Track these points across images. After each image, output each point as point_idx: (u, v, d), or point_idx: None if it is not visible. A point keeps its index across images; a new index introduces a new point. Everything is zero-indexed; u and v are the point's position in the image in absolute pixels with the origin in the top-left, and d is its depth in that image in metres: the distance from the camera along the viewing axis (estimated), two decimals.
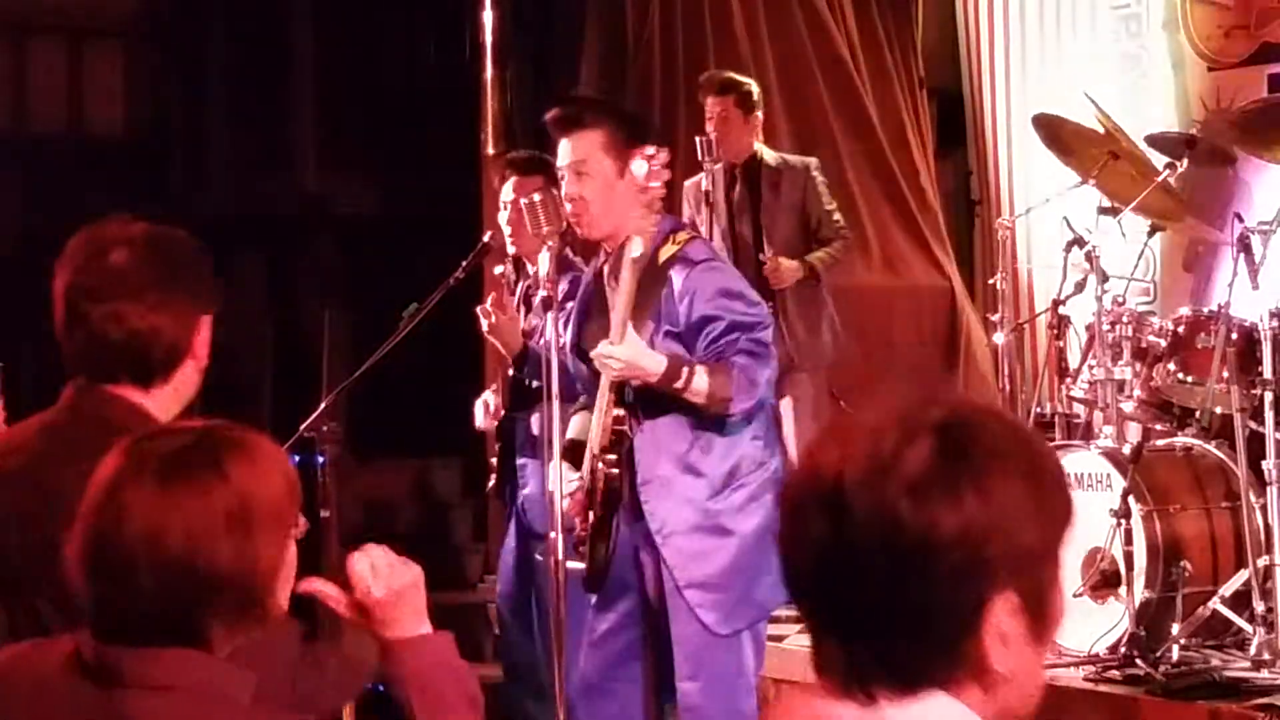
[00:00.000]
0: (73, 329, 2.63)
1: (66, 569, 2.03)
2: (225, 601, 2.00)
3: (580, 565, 4.13)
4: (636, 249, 4.02)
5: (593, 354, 4.05)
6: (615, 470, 4.08)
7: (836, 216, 6.62)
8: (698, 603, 4.11)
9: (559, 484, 4.08)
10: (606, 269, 4.28)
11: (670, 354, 4.02)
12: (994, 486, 1.50)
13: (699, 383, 3.99)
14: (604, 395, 4.09)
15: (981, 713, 1.54)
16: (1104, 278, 5.47)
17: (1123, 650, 4.96)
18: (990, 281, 7.10)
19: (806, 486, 1.54)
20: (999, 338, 6.63)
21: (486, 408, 5.66)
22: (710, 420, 4.07)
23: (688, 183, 6.47)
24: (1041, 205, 6.73)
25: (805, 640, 5.45)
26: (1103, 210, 5.79)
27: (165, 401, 2.67)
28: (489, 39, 7.99)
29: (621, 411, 4.09)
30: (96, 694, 2.00)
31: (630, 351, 3.98)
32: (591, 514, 4.13)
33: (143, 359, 2.63)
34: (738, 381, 4.00)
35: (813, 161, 6.72)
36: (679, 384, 3.99)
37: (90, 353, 2.62)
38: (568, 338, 4.31)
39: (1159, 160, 5.84)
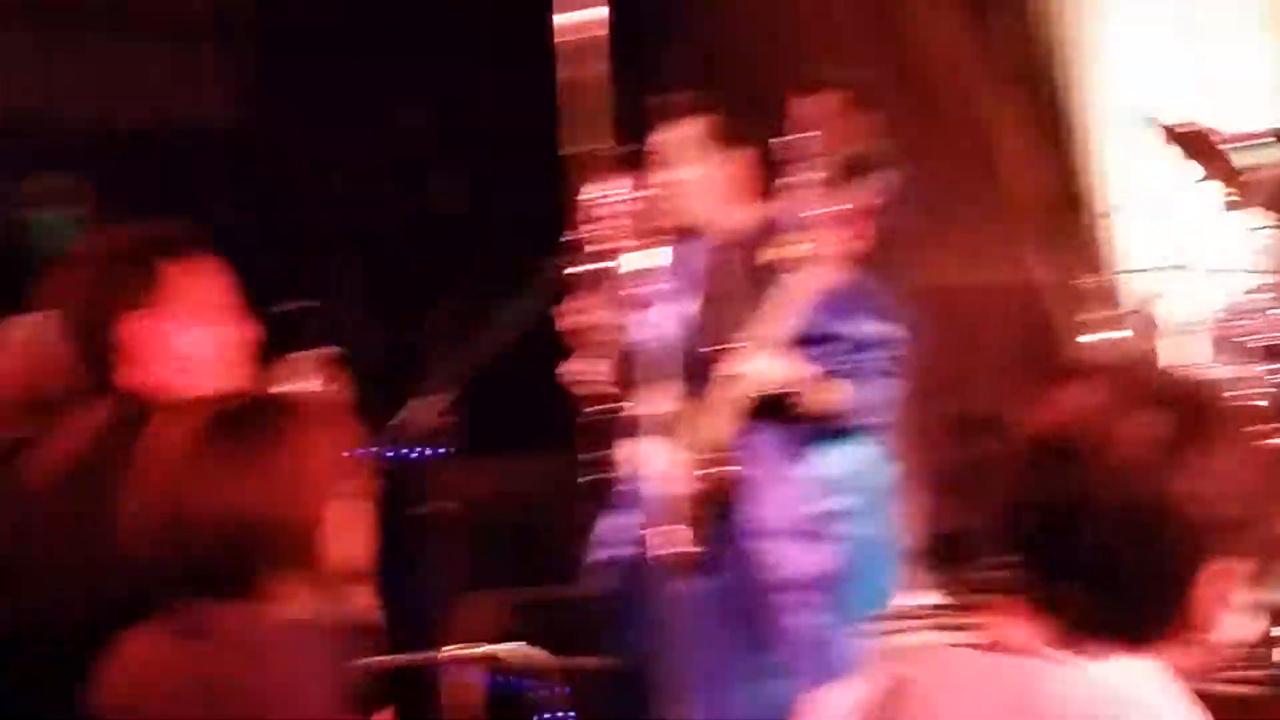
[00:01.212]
0: None
1: (129, 537, 2.20)
2: (271, 556, 2.15)
3: (691, 551, 4.15)
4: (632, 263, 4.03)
5: (724, 371, 4.08)
6: (724, 467, 4.11)
7: None
8: (792, 604, 4.13)
9: (665, 477, 4.10)
10: (724, 257, 4.29)
11: (794, 365, 4.04)
12: (1228, 455, 1.60)
13: (817, 395, 4.02)
14: (717, 393, 4.11)
15: (1179, 667, 1.62)
16: (1214, 274, 5.42)
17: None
18: (1088, 281, 7.06)
19: (1045, 440, 1.61)
20: (1093, 338, 6.58)
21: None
22: (820, 427, 4.09)
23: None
24: (1146, 202, 6.67)
25: (917, 639, 5.44)
26: (1217, 206, 5.73)
27: None
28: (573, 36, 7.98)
29: (733, 410, 4.12)
30: (184, 651, 2.16)
31: (760, 368, 4.02)
32: (702, 507, 4.15)
33: None
34: (853, 399, 4.02)
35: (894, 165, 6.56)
36: (797, 395, 4.01)
37: None
38: (677, 323, 4.34)
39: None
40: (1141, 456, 1.55)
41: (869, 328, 4.08)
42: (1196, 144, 5.90)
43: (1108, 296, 6.85)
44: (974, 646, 1.64)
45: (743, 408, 4.08)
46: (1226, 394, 1.77)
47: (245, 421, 2.18)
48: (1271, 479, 1.63)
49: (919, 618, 6.06)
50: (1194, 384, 1.67)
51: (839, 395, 4.00)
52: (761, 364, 4.00)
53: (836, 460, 4.13)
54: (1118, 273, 7.62)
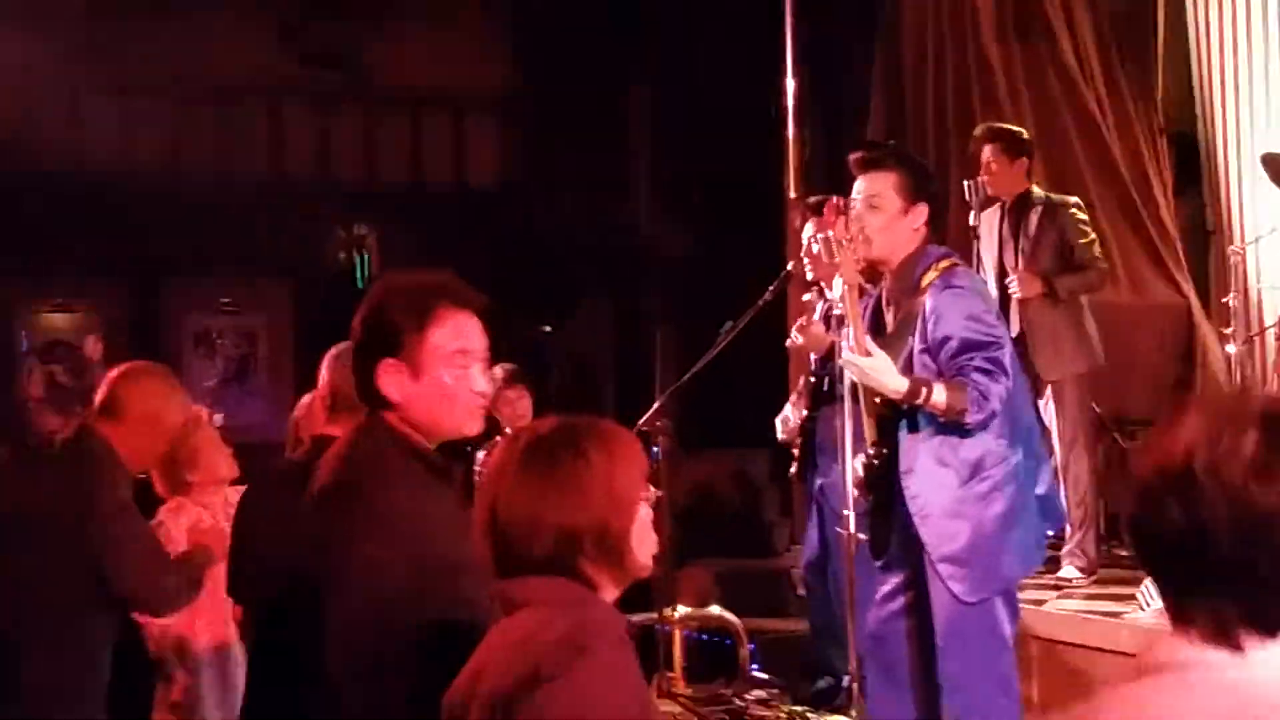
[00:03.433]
0: None
1: (474, 532, 2.17)
2: (589, 550, 2.11)
3: (865, 534, 4.18)
4: (836, 290, 4.09)
5: (840, 359, 4.09)
6: (879, 461, 4.11)
7: (1092, 249, 6.28)
8: (948, 575, 4.12)
9: (851, 475, 4.14)
10: (885, 292, 4.31)
11: (913, 377, 4.04)
12: None
13: (937, 398, 4.00)
14: (866, 396, 4.13)
15: None
16: None
17: None
18: (1224, 300, 6.90)
19: (1157, 477, 1.55)
20: (1232, 349, 6.41)
21: (785, 423, 5.75)
22: (955, 422, 4.07)
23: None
24: (1269, 234, 6.49)
25: (1065, 605, 5.24)
26: None
27: None
28: (790, 103, 8.05)
29: (885, 411, 4.13)
30: (505, 619, 2.15)
31: (872, 365, 4.00)
32: (871, 496, 4.16)
33: None
34: (971, 396, 4.00)
35: (1072, 199, 6.49)
36: (919, 400, 4.00)
37: None
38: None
39: None
40: (1246, 476, 1.48)
41: (976, 331, 4.03)
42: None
43: (1242, 315, 6.65)
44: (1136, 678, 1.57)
45: (885, 410, 4.08)
46: None
47: (560, 445, 2.15)
48: None
49: (1062, 589, 5.96)
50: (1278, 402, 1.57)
51: (950, 396, 3.97)
52: (863, 361, 3.98)
53: (976, 448, 4.10)
54: (1254, 292, 7.43)
